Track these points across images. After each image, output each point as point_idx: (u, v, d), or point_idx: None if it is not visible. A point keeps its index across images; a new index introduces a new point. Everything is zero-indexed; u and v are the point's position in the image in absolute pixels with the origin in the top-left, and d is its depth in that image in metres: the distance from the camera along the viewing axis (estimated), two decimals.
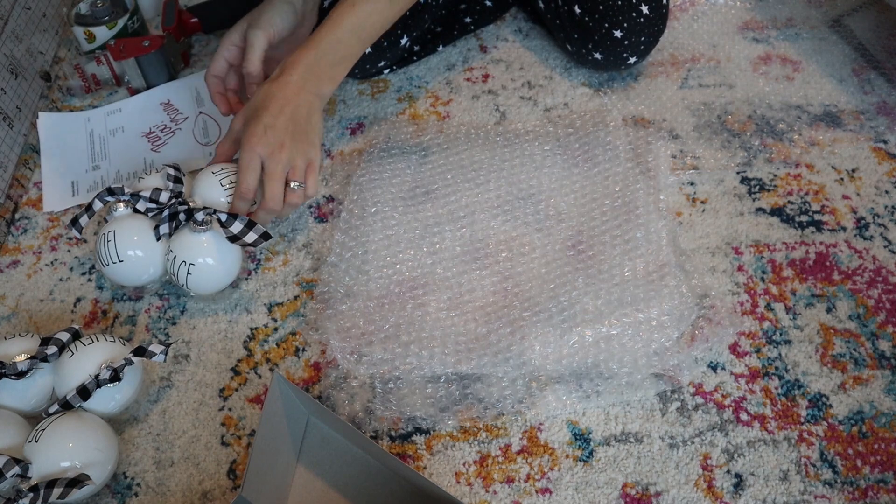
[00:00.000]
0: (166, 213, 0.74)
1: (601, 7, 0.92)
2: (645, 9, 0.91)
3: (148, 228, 0.76)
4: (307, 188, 0.76)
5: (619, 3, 0.91)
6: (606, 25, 0.92)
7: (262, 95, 0.75)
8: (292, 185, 0.74)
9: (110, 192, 0.76)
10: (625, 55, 0.94)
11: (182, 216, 0.74)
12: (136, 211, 0.76)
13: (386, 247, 0.80)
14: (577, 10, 0.94)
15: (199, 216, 0.72)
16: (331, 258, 0.80)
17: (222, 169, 0.78)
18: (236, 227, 0.72)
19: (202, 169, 0.80)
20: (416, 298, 0.75)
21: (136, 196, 0.76)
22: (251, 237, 0.72)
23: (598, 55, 0.95)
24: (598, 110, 0.95)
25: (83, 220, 0.77)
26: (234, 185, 0.75)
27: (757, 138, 0.92)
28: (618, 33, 0.92)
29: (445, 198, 0.84)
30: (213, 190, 0.77)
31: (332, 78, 0.79)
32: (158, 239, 0.75)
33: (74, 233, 0.77)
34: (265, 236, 0.73)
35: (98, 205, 0.76)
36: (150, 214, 0.76)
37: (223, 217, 0.72)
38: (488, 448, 0.67)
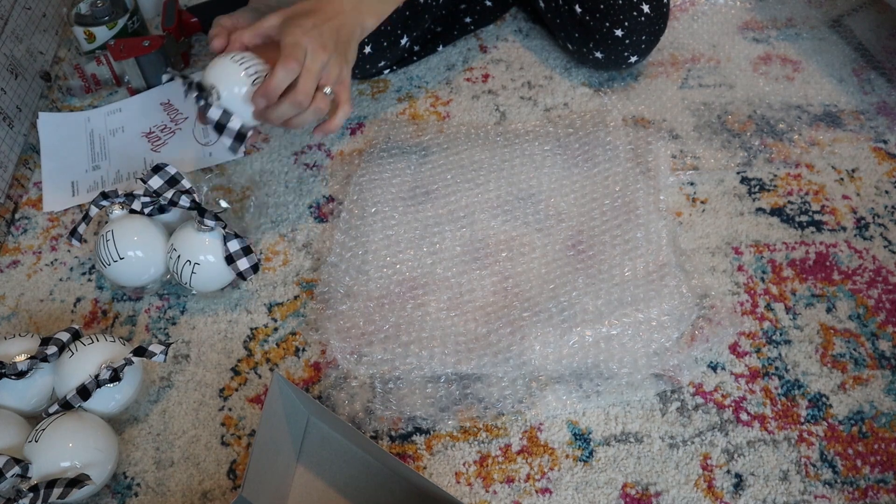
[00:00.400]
0: (169, 193, 0.74)
1: (602, 6, 0.92)
2: (646, 8, 0.91)
3: (147, 228, 0.76)
4: (341, 102, 0.74)
5: (620, 2, 0.91)
6: (607, 24, 0.92)
7: (309, 5, 0.73)
8: (325, 90, 0.72)
9: (104, 196, 0.76)
10: (626, 54, 0.94)
11: (184, 200, 0.74)
12: (132, 211, 0.77)
13: (386, 247, 0.80)
14: (578, 10, 0.94)
15: (209, 221, 0.72)
16: (331, 258, 0.80)
17: (244, 58, 0.72)
18: (233, 246, 0.73)
19: (219, 56, 0.73)
20: (416, 298, 0.75)
21: (130, 196, 0.76)
22: (243, 264, 0.73)
23: (598, 54, 0.95)
24: (598, 110, 0.95)
25: (81, 228, 0.77)
26: (259, 75, 0.71)
27: (757, 138, 0.92)
28: (619, 32, 0.92)
29: (445, 198, 0.84)
30: (234, 78, 0.71)
31: (376, 12, 0.77)
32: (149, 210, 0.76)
33: (75, 243, 0.78)
34: (255, 268, 0.74)
35: (94, 211, 0.76)
36: (147, 210, 0.76)
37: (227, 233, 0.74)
38: (488, 448, 0.67)
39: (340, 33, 0.73)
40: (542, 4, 1.01)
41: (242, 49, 0.73)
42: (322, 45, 0.70)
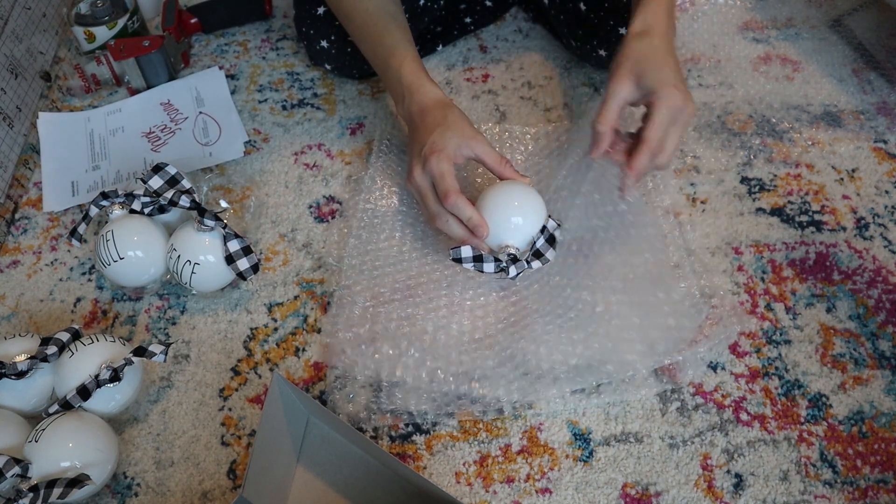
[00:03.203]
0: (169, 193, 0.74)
1: (606, 4, 0.92)
2: None
3: (147, 228, 0.76)
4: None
5: (625, 0, 0.91)
6: (612, 22, 0.92)
7: (648, 52, 0.71)
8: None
9: (104, 196, 0.76)
10: None
11: (184, 200, 0.74)
12: (132, 211, 0.77)
13: (388, 246, 0.80)
14: (583, 7, 0.94)
15: (209, 221, 0.73)
16: (346, 260, 0.80)
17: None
18: (233, 246, 0.73)
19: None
20: (418, 297, 0.75)
21: (130, 196, 0.76)
22: (243, 264, 0.74)
23: (602, 52, 0.95)
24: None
25: (81, 228, 0.78)
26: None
27: (757, 138, 0.92)
28: (623, 31, 0.92)
29: None
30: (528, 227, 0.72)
31: (674, 27, 0.76)
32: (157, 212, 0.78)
33: (75, 243, 0.78)
34: (255, 268, 0.74)
35: (94, 211, 0.76)
36: (147, 210, 0.76)
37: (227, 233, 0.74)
38: (488, 448, 0.67)
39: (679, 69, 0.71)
40: (546, 1, 1.01)
41: (614, 125, 0.71)
42: (687, 96, 0.69)
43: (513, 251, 0.71)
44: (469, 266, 0.71)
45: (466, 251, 0.71)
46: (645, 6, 0.74)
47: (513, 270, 0.71)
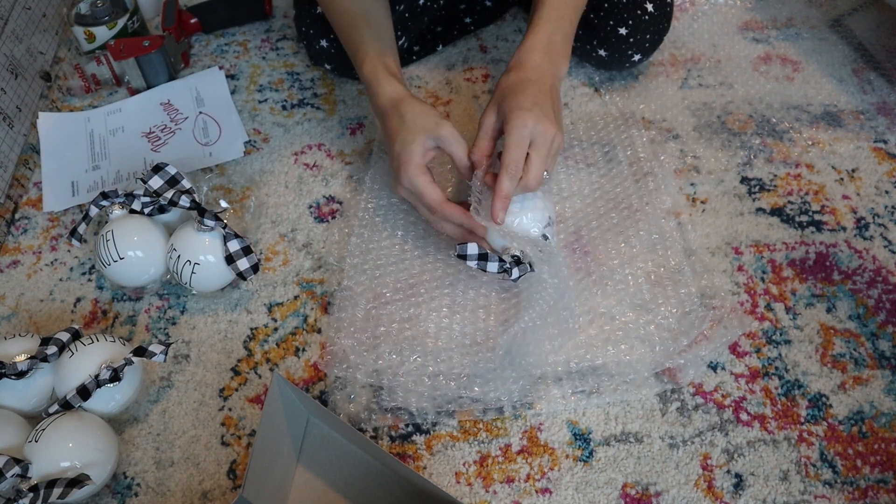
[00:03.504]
0: (170, 193, 0.74)
1: (606, 4, 0.92)
2: (650, 6, 0.91)
3: (147, 228, 0.76)
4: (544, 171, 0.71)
5: (625, 1, 0.91)
6: (611, 23, 0.92)
7: (511, 83, 0.73)
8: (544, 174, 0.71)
9: (105, 196, 0.76)
10: (629, 53, 0.94)
11: (184, 200, 0.74)
12: (132, 211, 0.77)
13: (390, 245, 0.80)
14: None
15: (209, 221, 0.73)
16: (348, 259, 0.80)
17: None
18: (233, 246, 0.73)
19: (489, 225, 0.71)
20: (419, 296, 0.75)
21: (130, 196, 0.76)
22: (243, 264, 0.74)
23: (602, 52, 0.95)
24: (599, 111, 0.95)
25: (81, 228, 0.78)
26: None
27: (757, 138, 0.92)
28: (623, 31, 0.92)
29: None
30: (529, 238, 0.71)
31: (565, 55, 0.78)
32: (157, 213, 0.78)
33: (75, 243, 0.78)
34: (255, 268, 0.74)
35: (94, 211, 0.77)
36: (147, 210, 0.76)
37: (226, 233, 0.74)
38: (488, 448, 0.67)
39: (553, 95, 0.73)
40: None
41: (488, 156, 0.73)
42: (549, 120, 0.70)
43: (516, 253, 0.71)
44: (473, 264, 0.71)
45: (472, 248, 0.71)
46: (521, 44, 0.77)
47: (516, 272, 0.71)
